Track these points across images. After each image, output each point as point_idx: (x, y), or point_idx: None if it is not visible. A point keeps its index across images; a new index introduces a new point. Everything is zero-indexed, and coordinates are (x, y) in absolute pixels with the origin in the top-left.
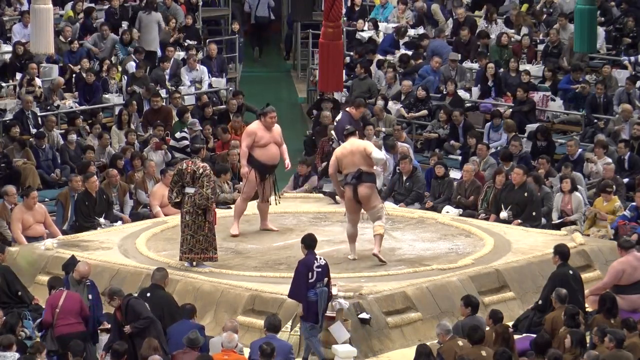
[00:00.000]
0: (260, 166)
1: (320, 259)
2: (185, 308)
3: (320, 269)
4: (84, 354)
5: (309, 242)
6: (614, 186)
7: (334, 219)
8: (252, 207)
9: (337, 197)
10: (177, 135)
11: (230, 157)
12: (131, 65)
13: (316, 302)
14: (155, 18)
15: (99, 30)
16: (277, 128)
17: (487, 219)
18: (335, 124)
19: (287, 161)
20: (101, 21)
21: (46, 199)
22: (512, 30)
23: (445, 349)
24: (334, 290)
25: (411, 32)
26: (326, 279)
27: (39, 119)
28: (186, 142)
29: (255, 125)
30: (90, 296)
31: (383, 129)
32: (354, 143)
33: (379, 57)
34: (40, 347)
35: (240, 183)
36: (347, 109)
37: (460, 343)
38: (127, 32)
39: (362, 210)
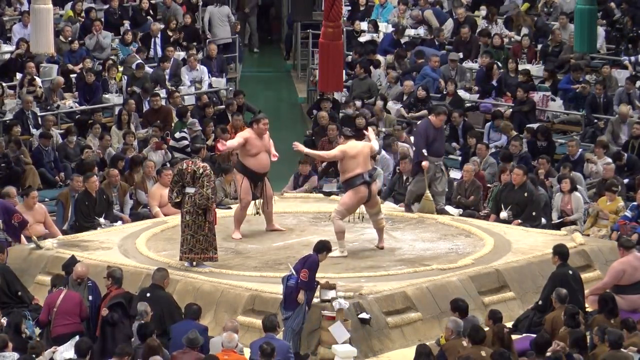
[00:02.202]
0: (252, 174)
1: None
2: (191, 308)
3: (297, 261)
4: (90, 352)
5: (315, 246)
6: (619, 186)
7: None
8: (252, 207)
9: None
10: (177, 135)
11: (233, 158)
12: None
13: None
14: (226, 11)
15: (92, 29)
16: (267, 135)
17: (486, 218)
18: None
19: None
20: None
21: (46, 199)
22: (512, 32)
23: (448, 347)
24: (333, 293)
25: (411, 32)
26: (296, 269)
27: (39, 119)
28: (186, 142)
29: (248, 134)
30: (90, 297)
31: (383, 129)
32: (357, 143)
33: (379, 57)
34: (40, 346)
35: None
36: (430, 116)
37: (464, 343)
38: (128, 32)
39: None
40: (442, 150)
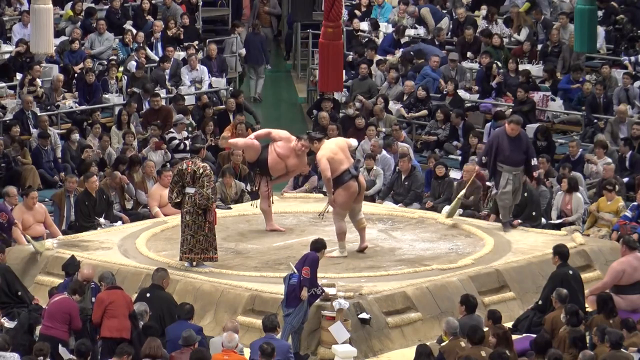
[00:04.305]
0: (263, 166)
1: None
2: (184, 308)
3: (297, 261)
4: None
5: (311, 245)
6: (616, 186)
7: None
8: (252, 207)
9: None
10: (166, 137)
11: (234, 157)
12: (132, 65)
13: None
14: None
15: (96, 29)
16: (304, 159)
17: (486, 218)
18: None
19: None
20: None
21: (46, 199)
22: (512, 32)
23: (447, 348)
24: (333, 290)
25: (411, 32)
26: (297, 267)
27: (39, 119)
28: (176, 142)
29: (291, 137)
30: (93, 299)
31: (383, 129)
32: (333, 142)
33: (378, 57)
34: (44, 347)
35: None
36: (505, 123)
37: (462, 344)
38: (128, 32)
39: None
40: (519, 160)
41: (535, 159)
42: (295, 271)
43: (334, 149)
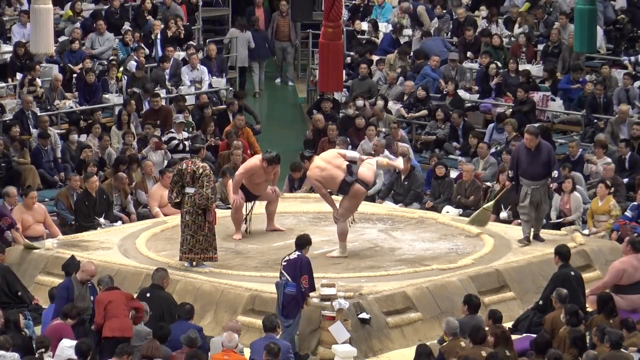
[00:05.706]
0: (246, 193)
1: (293, 254)
2: (184, 308)
3: (285, 263)
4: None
5: (297, 241)
6: (613, 187)
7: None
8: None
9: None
10: (164, 138)
11: (234, 157)
12: (132, 65)
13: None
14: (247, 37)
15: (95, 29)
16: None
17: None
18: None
19: (274, 187)
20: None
21: (46, 199)
22: (513, 32)
23: (447, 348)
24: (333, 290)
25: (410, 32)
26: (290, 275)
27: (39, 119)
28: (176, 142)
29: (258, 164)
30: (92, 297)
31: (383, 129)
32: (319, 158)
33: (376, 57)
34: (45, 340)
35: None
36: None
37: (462, 344)
38: (128, 32)
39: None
40: (537, 174)
41: (557, 170)
42: (289, 279)
43: (320, 165)
